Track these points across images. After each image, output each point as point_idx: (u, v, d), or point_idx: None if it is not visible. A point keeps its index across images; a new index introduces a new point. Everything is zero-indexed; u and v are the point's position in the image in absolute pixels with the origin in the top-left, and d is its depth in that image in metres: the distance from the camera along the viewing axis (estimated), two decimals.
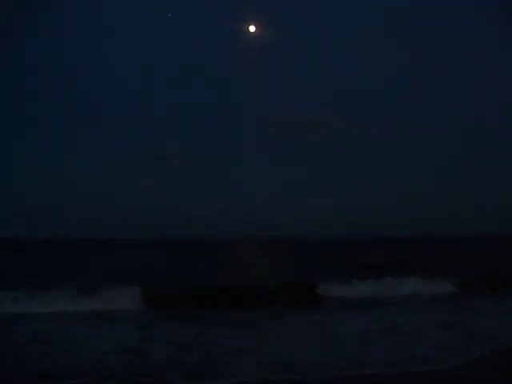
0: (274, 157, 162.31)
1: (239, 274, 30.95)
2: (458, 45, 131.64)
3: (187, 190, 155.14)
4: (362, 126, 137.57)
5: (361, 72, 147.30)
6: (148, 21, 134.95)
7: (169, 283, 22.08)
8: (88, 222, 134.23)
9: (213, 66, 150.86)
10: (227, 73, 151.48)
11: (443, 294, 21.47)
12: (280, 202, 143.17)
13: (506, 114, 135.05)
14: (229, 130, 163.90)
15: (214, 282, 22.93)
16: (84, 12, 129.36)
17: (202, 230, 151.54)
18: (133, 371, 9.46)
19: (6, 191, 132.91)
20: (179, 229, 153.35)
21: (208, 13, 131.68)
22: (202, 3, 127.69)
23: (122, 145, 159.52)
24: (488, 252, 53.96)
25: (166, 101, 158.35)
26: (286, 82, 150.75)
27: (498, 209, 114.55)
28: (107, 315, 16.21)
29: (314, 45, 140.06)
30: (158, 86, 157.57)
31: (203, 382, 8.90)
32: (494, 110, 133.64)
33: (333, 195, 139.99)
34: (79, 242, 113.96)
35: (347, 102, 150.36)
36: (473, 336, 12.45)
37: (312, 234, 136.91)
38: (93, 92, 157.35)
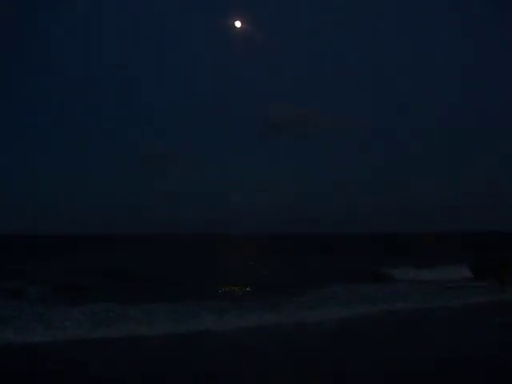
0: (261, 154, 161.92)
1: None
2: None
3: (172, 187, 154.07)
4: (349, 123, 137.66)
5: (348, 68, 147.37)
6: (134, 20, 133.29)
7: None
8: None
9: (199, 64, 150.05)
10: (214, 69, 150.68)
11: None
12: (267, 198, 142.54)
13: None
14: (215, 127, 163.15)
15: None
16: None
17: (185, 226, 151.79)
18: None
19: None
20: (165, 225, 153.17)
21: (194, 9, 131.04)
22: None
23: (109, 144, 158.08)
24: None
25: (150, 98, 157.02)
26: (272, 79, 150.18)
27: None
28: None
29: (301, 41, 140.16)
30: (143, 84, 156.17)
31: None
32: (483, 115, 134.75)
33: (320, 192, 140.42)
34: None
35: (334, 99, 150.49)
36: None
37: (299, 231, 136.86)
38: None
